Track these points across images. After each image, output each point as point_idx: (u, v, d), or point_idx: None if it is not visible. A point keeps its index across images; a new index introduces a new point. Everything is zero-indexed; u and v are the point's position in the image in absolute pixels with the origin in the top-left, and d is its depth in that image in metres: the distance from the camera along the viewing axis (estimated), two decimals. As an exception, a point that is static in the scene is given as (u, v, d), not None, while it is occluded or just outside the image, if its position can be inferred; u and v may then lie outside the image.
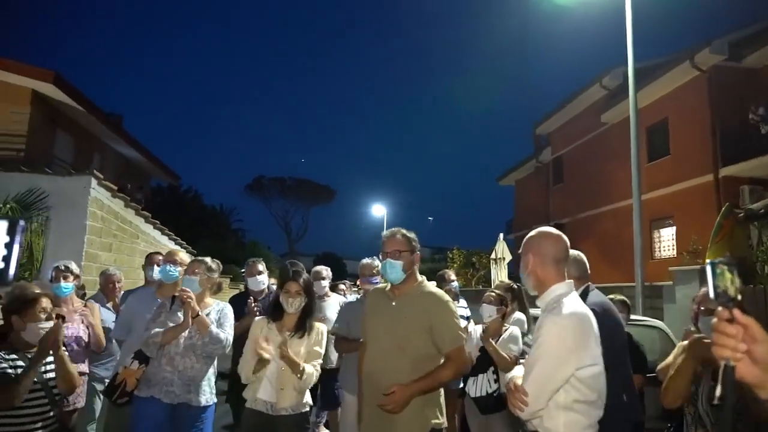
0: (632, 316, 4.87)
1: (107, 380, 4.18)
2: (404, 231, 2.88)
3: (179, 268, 3.85)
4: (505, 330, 3.95)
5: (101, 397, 4.57)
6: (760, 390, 1.15)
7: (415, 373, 2.64)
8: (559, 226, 22.14)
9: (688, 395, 2.57)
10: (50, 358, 2.77)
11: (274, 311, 3.26)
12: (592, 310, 2.22)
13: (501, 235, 15.17)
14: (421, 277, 2.92)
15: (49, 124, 12.50)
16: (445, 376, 2.72)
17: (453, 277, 5.54)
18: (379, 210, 36.49)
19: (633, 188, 8.11)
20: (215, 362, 3.53)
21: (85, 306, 4.11)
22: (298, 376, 3.00)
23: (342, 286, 7.09)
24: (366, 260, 4.44)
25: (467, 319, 5.74)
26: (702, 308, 2.62)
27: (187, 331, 3.27)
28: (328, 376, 4.99)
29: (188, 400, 3.25)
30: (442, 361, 2.73)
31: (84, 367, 4.20)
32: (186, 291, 3.22)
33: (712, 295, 1.14)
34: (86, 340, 4.00)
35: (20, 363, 2.61)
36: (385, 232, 2.94)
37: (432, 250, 40.90)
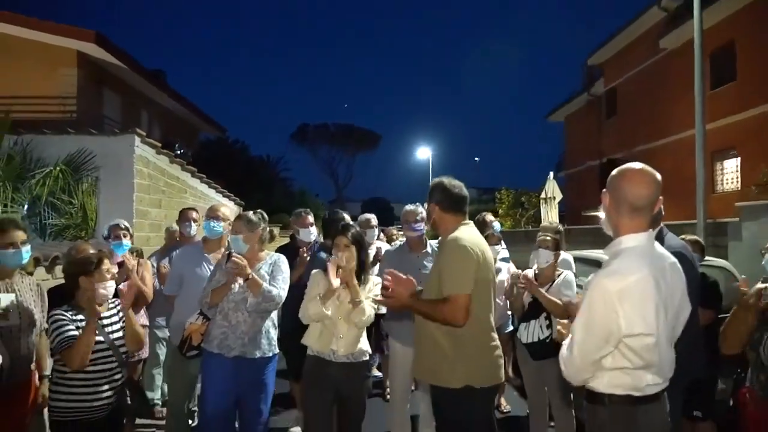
0: (694, 256, 4.62)
1: (167, 330, 4.41)
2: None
3: (222, 223, 3.86)
4: (559, 275, 3.80)
5: (164, 343, 4.78)
6: None
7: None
8: (611, 161, 21.43)
9: (748, 342, 2.45)
10: (116, 318, 2.86)
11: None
12: (676, 253, 2.01)
13: (551, 174, 14.71)
14: (458, 225, 2.81)
15: (96, 85, 12.70)
16: (437, 314, 2.62)
17: (491, 218, 5.39)
18: (424, 152, 36.10)
19: (696, 117, 7.52)
20: (273, 313, 3.53)
21: (138, 263, 4.21)
22: (358, 304, 3.02)
23: (382, 235, 6.99)
24: (409, 206, 4.32)
25: (506, 260, 5.61)
26: None
27: (237, 286, 3.29)
28: (377, 320, 5.04)
29: (245, 354, 3.30)
30: None
31: (144, 320, 4.37)
32: (236, 262, 3.15)
33: None
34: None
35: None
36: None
37: (479, 191, 40.25)
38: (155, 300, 4.33)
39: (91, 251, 2.89)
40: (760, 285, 2.48)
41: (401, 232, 6.68)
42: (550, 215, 14.14)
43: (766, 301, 2.39)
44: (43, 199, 5.46)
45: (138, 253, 4.38)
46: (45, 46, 11.34)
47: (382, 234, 7.14)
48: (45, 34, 11.15)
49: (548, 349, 3.58)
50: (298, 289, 3.48)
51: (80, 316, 2.68)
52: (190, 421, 4.09)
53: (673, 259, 2.04)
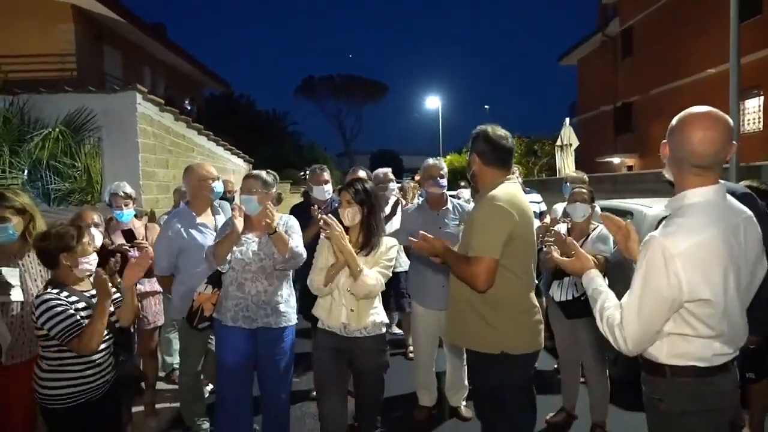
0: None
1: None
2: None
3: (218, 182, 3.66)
4: (594, 229, 3.57)
5: None
6: None
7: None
8: (628, 104, 20.77)
9: None
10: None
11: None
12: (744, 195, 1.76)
13: (567, 120, 14.25)
14: (500, 180, 2.56)
15: (96, 41, 12.34)
16: (461, 270, 2.45)
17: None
18: (433, 102, 35.36)
19: (731, 49, 6.98)
20: (290, 281, 3.37)
21: (146, 227, 4.02)
22: (358, 272, 2.70)
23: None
24: (431, 160, 4.05)
25: (541, 214, 5.36)
26: None
27: (256, 256, 3.11)
28: (397, 278, 4.86)
29: (267, 324, 3.15)
30: None
31: (157, 286, 4.18)
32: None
33: None
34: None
35: (81, 305, 2.50)
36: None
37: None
38: None
39: (78, 224, 2.70)
40: None
41: (410, 184, 6.33)
42: (566, 163, 13.77)
43: None
44: (44, 163, 5.23)
45: (148, 215, 4.18)
46: (40, 2, 10.95)
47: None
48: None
49: (582, 307, 3.38)
50: (310, 251, 3.29)
51: (74, 297, 2.50)
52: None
53: (749, 213, 1.79)
